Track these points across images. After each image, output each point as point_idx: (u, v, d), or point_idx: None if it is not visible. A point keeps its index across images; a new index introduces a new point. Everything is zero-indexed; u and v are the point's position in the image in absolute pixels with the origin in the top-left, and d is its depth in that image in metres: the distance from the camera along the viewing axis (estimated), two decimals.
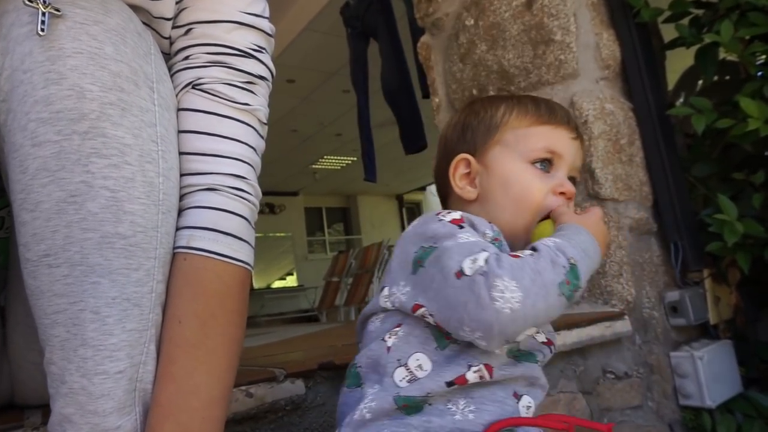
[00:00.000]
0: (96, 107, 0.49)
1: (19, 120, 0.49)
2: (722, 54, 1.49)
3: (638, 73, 1.52)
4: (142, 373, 0.52)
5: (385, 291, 0.66)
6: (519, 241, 0.70)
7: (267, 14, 0.66)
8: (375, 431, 0.59)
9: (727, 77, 1.58)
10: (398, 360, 0.62)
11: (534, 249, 0.60)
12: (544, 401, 0.69)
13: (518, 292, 0.55)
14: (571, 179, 0.75)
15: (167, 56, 0.62)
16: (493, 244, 0.64)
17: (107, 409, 0.49)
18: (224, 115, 0.59)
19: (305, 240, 9.27)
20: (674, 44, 1.56)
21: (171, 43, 0.62)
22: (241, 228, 0.58)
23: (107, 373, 0.49)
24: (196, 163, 0.58)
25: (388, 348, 0.63)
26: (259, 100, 0.62)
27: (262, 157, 0.65)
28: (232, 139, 0.59)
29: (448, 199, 0.79)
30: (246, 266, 0.59)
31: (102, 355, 0.49)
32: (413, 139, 2.75)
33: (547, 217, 0.71)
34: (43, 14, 0.48)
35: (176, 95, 0.60)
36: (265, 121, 0.64)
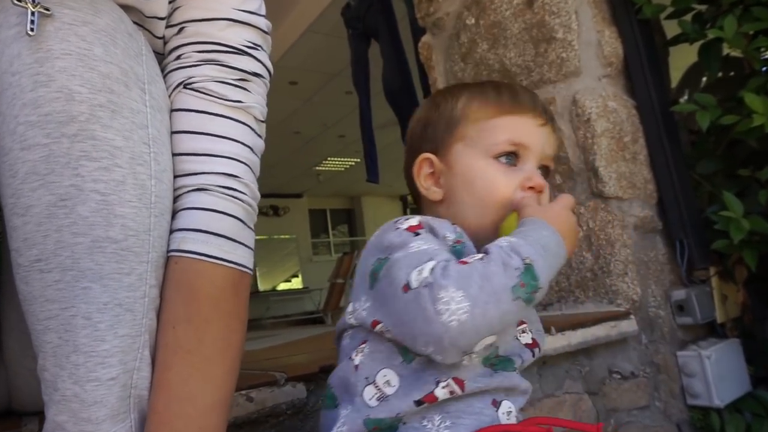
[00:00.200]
0: (85, 109, 0.48)
1: (8, 123, 0.48)
2: (726, 50, 1.48)
3: (641, 70, 1.50)
4: (137, 379, 0.51)
5: (350, 307, 0.64)
6: (488, 239, 0.64)
7: (263, 11, 0.65)
8: None
9: (732, 73, 1.56)
10: (366, 378, 0.60)
11: (486, 252, 0.57)
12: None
13: (465, 302, 0.52)
14: (544, 169, 0.72)
15: (161, 56, 0.62)
16: (455, 247, 0.62)
17: (100, 416, 0.48)
18: (216, 113, 0.58)
19: (310, 242, 9.26)
20: (677, 40, 1.55)
21: (165, 43, 0.61)
22: (234, 229, 0.57)
23: (99, 380, 0.48)
24: (188, 164, 0.57)
25: (356, 366, 0.61)
26: (254, 98, 0.61)
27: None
28: (224, 137, 0.58)
29: (419, 200, 0.76)
30: (240, 268, 0.57)
31: (94, 362, 0.48)
32: None
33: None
34: (33, 14, 0.47)
35: (169, 96, 0.59)
36: (262, 119, 0.62)
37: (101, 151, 0.49)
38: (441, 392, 0.58)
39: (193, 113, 0.58)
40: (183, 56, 0.59)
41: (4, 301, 0.62)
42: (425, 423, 0.58)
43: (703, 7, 1.50)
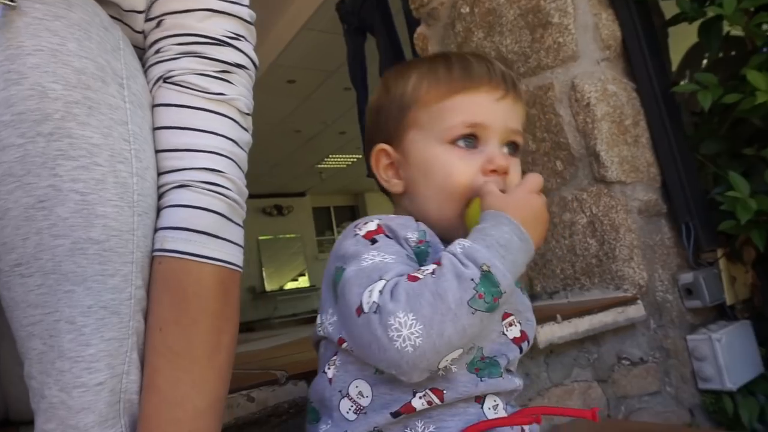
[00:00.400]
0: (60, 107, 0.47)
1: None
2: (726, 28, 1.45)
3: (640, 52, 1.48)
4: (126, 383, 0.50)
5: (318, 318, 0.62)
6: (455, 230, 0.61)
7: (246, 1, 0.63)
8: None
9: (733, 52, 1.53)
10: (340, 392, 0.58)
11: (439, 262, 0.53)
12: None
13: (418, 325, 0.49)
14: (511, 145, 0.65)
15: (143, 51, 0.60)
16: (418, 248, 0.59)
17: (88, 423, 0.47)
18: (197, 107, 0.56)
19: (315, 240, 9.26)
20: (676, 20, 1.52)
21: (145, 38, 0.59)
22: (218, 225, 0.55)
23: (86, 386, 0.47)
24: (170, 161, 0.55)
25: (330, 380, 0.59)
26: (237, 90, 0.59)
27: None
28: (206, 131, 0.56)
29: (386, 193, 0.72)
30: (227, 266, 0.56)
31: (80, 367, 0.47)
32: None
33: None
34: None
35: (150, 91, 0.57)
36: (248, 112, 0.60)
37: (79, 150, 0.47)
38: (418, 402, 0.55)
39: (173, 108, 0.56)
40: (162, 50, 0.57)
41: None
42: (408, 431, 0.56)
43: None
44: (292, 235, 8.81)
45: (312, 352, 0.69)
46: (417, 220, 0.62)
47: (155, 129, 0.56)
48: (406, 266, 0.55)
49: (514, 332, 0.63)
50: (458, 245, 0.53)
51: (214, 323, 0.54)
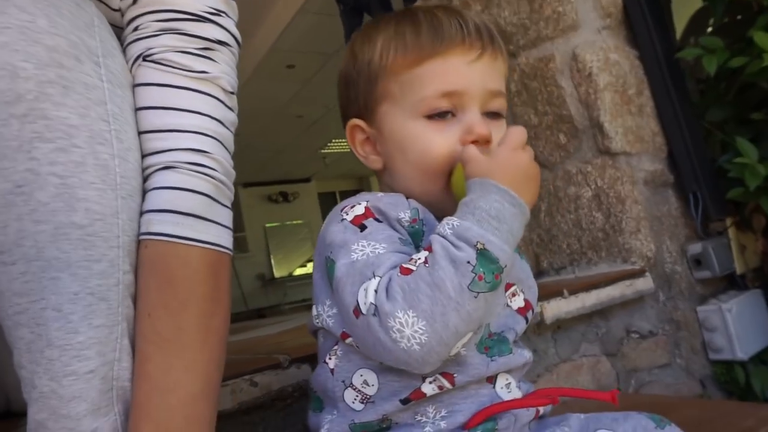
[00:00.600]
0: (33, 87, 0.45)
1: None
2: None
3: (642, 18, 1.44)
4: (118, 370, 0.49)
5: (314, 309, 0.59)
6: (443, 203, 0.57)
7: None
8: None
9: (739, 16, 1.49)
10: (343, 382, 0.55)
11: (430, 247, 0.49)
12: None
13: (420, 322, 0.46)
14: (493, 108, 0.60)
15: (120, 30, 0.58)
16: (412, 227, 0.56)
17: (80, 412, 0.46)
18: (179, 86, 0.54)
19: (321, 226, 9.27)
20: None
21: (122, 15, 0.57)
22: (204, 207, 0.53)
23: (76, 374, 0.46)
24: (153, 142, 0.54)
25: (332, 371, 0.56)
26: (220, 68, 0.57)
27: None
28: (190, 111, 0.54)
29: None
30: (216, 248, 0.54)
31: (69, 355, 0.46)
32: None
33: None
34: None
35: (130, 70, 0.55)
36: (232, 90, 0.58)
37: (55, 131, 0.46)
38: (429, 388, 0.53)
39: (154, 87, 0.54)
40: (141, 27, 0.55)
41: None
42: (419, 417, 0.54)
43: None
44: (299, 222, 8.81)
45: None
46: (407, 197, 0.59)
47: (137, 110, 0.55)
48: (398, 255, 0.52)
49: (518, 302, 0.61)
50: (447, 225, 0.50)
51: (204, 307, 0.52)
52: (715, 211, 1.39)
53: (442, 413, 0.54)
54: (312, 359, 0.85)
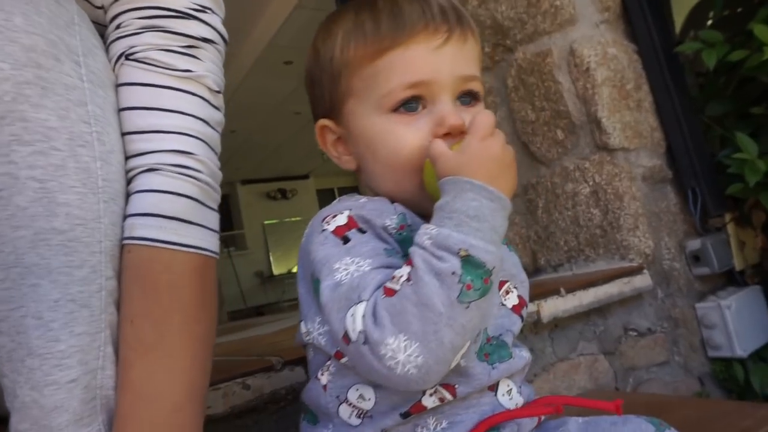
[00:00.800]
0: (9, 88, 0.44)
1: None
2: None
3: (641, 11, 1.42)
4: (102, 379, 0.48)
5: (302, 327, 0.56)
6: (423, 202, 0.54)
7: None
8: None
9: (739, 9, 1.47)
10: (337, 397, 0.53)
11: (411, 261, 0.46)
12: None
13: (413, 345, 0.43)
14: (468, 95, 0.56)
15: (105, 29, 0.56)
16: (400, 235, 0.53)
17: (62, 422, 0.45)
18: (163, 85, 0.53)
19: None
20: None
21: (105, 13, 0.56)
22: (189, 210, 0.52)
23: (58, 383, 0.45)
24: (137, 143, 0.52)
25: (324, 387, 0.54)
26: (205, 66, 0.55)
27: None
28: (174, 111, 0.53)
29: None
30: (201, 252, 0.53)
31: (50, 364, 0.44)
32: None
33: None
34: None
35: (112, 69, 0.54)
36: (218, 89, 0.57)
37: (34, 134, 0.44)
38: (429, 401, 0.51)
39: (137, 87, 0.53)
40: (123, 24, 0.54)
41: None
42: (419, 430, 0.52)
43: None
44: (298, 218, 8.80)
45: None
46: (392, 201, 0.56)
47: (120, 110, 0.53)
48: (384, 272, 0.48)
49: (512, 300, 0.59)
50: (425, 234, 0.46)
51: (189, 313, 0.51)
52: (714, 207, 1.38)
53: (443, 425, 0.52)
54: (305, 361, 0.83)
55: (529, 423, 0.55)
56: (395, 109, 0.54)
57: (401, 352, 0.43)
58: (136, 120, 0.52)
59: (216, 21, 0.57)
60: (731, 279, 1.44)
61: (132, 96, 0.53)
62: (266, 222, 8.21)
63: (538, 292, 1.08)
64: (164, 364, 0.49)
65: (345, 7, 0.59)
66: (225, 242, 7.11)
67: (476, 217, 0.46)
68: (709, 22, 1.57)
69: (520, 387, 0.57)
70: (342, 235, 0.51)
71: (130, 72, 0.53)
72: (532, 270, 1.51)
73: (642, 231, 1.32)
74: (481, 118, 0.50)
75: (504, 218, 0.48)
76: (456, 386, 0.52)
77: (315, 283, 0.51)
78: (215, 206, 0.56)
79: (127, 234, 0.50)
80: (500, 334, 0.56)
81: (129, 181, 0.52)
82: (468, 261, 0.44)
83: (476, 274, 0.44)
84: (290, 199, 8.54)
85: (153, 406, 0.48)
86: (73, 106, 0.47)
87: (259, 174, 7.77)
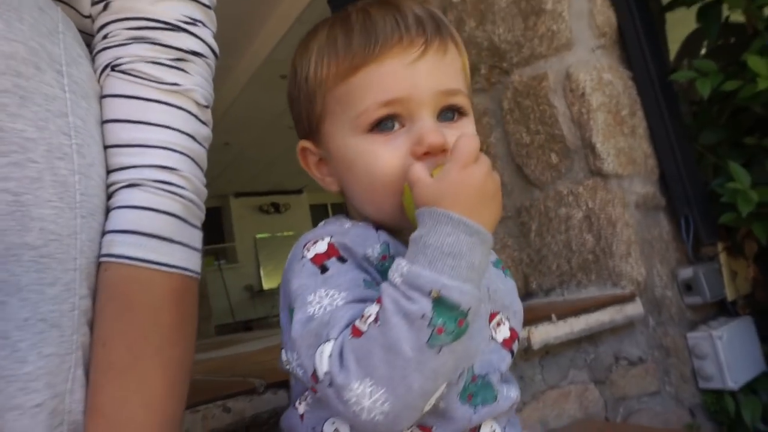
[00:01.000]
0: None
1: None
2: (726, 12, 1.40)
3: (636, 39, 1.43)
4: (70, 403, 0.45)
5: (283, 355, 0.53)
6: (401, 224, 0.51)
7: None
8: None
9: (733, 39, 1.49)
10: (313, 429, 0.51)
11: (380, 299, 0.43)
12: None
13: (379, 391, 0.41)
14: (450, 110, 0.52)
15: (92, 38, 0.55)
16: (382, 264, 0.50)
17: None
18: (149, 98, 0.51)
19: None
20: (674, 5, 1.47)
21: (93, 22, 0.54)
22: (171, 228, 0.50)
23: (21, 408, 0.42)
24: (119, 157, 0.50)
25: (301, 416, 0.53)
26: (193, 80, 0.54)
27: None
28: (159, 125, 0.51)
29: None
30: (181, 272, 0.51)
31: (14, 387, 0.42)
32: None
33: None
34: None
35: (97, 80, 0.52)
36: (206, 104, 0.55)
37: (10, 145, 0.42)
38: None
39: (122, 99, 0.51)
40: (110, 35, 0.52)
41: None
42: None
43: None
44: (290, 233, 8.76)
45: None
46: (377, 227, 0.54)
47: (103, 122, 0.51)
48: (356, 308, 0.45)
49: (503, 332, 0.56)
50: (397, 272, 0.43)
51: (165, 335, 0.49)
52: (707, 235, 1.37)
53: None
54: (288, 384, 0.81)
55: None
56: (371, 129, 0.51)
57: (366, 398, 0.41)
58: (119, 133, 0.51)
59: (206, 34, 0.56)
60: (723, 309, 1.43)
61: (116, 108, 0.51)
62: (258, 236, 8.16)
63: (530, 318, 1.06)
64: (137, 389, 0.47)
65: (322, 22, 0.56)
66: (215, 255, 7.04)
67: (452, 253, 0.42)
68: (703, 51, 1.58)
69: (504, 428, 0.54)
70: (320, 264, 0.48)
71: (116, 83, 0.51)
72: (524, 294, 1.50)
73: (634, 258, 1.31)
74: (464, 142, 0.46)
75: (483, 253, 0.44)
76: (433, 428, 0.49)
77: (290, 313, 0.48)
78: (199, 224, 0.54)
79: (104, 251, 0.48)
80: (487, 374, 0.53)
81: (110, 196, 0.50)
82: (440, 302, 0.41)
83: (449, 317, 0.41)
84: (283, 213, 8.50)
85: None
86: (52, 117, 0.45)
87: (253, 187, 7.73)
